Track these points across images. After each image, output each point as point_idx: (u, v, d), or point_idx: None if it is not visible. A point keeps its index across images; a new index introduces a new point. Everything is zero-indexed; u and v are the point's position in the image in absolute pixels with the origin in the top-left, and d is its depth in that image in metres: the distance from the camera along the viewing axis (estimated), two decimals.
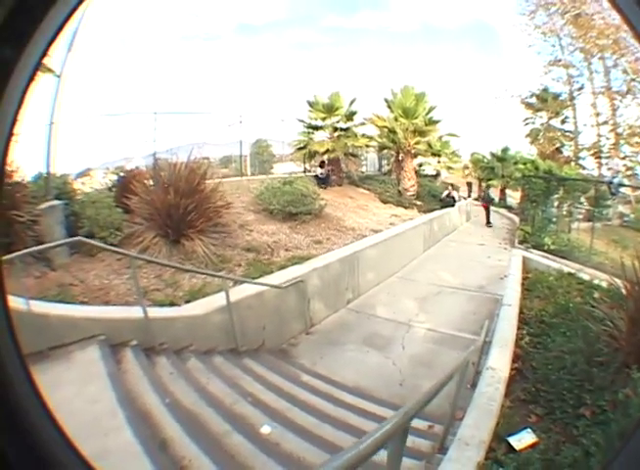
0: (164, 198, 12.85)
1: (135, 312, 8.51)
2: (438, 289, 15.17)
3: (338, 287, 13.35)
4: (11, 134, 1.44)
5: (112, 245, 11.66)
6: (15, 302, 6.72)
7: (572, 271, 14.05)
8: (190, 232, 12.83)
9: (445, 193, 29.22)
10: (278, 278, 11.48)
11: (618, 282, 9.41)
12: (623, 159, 29.41)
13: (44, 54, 1.47)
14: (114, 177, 16.95)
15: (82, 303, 9.44)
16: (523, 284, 13.15)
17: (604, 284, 11.64)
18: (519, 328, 9.99)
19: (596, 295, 11.29)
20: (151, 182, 14.66)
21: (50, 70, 13.13)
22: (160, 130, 20.53)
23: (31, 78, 1.46)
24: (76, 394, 5.91)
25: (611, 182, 23.29)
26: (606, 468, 1.76)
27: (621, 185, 24.26)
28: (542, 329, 10.10)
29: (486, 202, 29.38)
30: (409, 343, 11.39)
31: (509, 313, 10.44)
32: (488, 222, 28.04)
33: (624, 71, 28.93)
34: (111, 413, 5.69)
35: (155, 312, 8.87)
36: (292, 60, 40.46)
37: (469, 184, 35.16)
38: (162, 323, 8.90)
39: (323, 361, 10.58)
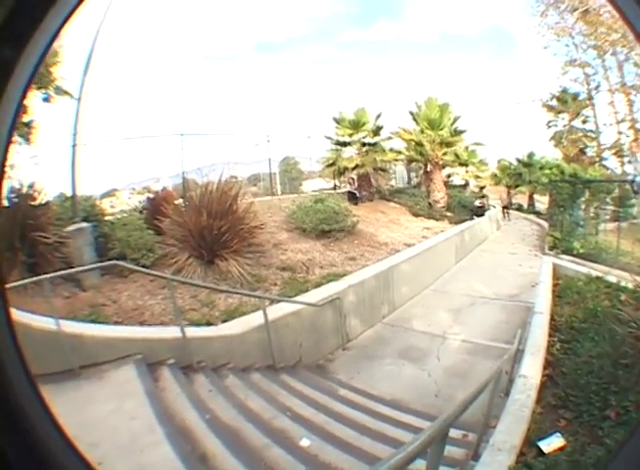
0: (197, 220, 13.03)
1: (172, 332, 8.71)
2: (472, 300, 15.29)
3: (373, 302, 13.51)
4: (11, 134, 1.47)
5: (144, 266, 11.94)
6: (44, 322, 7.08)
7: (600, 275, 14.05)
8: (224, 253, 12.95)
9: (477, 202, 29.84)
10: (314, 296, 11.67)
11: None
12: None
13: (44, 54, 1.49)
14: (142, 198, 17.22)
15: (116, 323, 9.61)
16: (553, 291, 13.37)
17: (630, 286, 11.77)
18: (550, 335, 10.19)
19: (622, 297, 11.39)
20: (181, 203, 14.98)
21: (67, 93, 13.60)
22: (186, 150, 20.43)
23: (31, 78, 1.48)
24: (113, 411, 6.11)
25: (633, 181, 23.28)
26: (606, 468, 1.77)
27: None
28: (572, 335, 10.28)
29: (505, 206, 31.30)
30: (444, 354, 11.54)
31: (540, 321, 10.66)
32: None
33: (636, 65, 29.01)
34: (149, 429, 5.83)
35: (192, 332, 8.99)
36: (312, 76, 40.67)
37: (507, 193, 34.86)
38: (200, 342, 9.05)
39: (360, 376, 10.68)
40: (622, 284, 12.45)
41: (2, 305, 1.45)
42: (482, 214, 28.55)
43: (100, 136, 17.28)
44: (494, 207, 31.94)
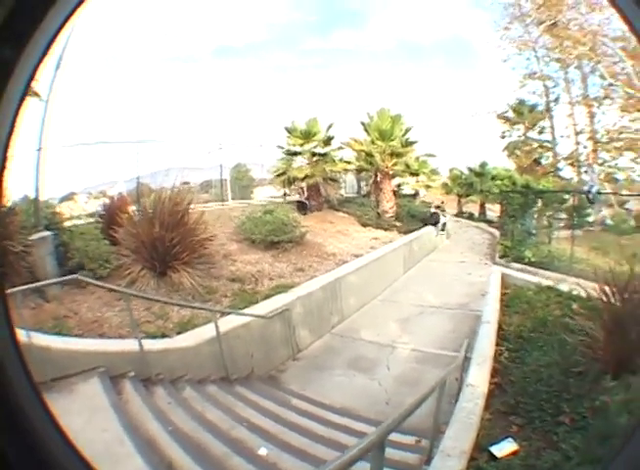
0: (150, 231, 13.08)
1: (131, 345, 8.86)
2: (420, 309, 15.60)
3: (321, 313, 13.80)
4: (11, 134, 1.47)
5: (101, 277, 12.13)
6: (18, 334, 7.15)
7: (551, 284, 14.45)
8: (176, 264, 13.06)
9: (432, 210, 30.04)
10: (263, 308, 11.90)
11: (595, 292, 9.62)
12: (601, 165, 30.12)
13: (44, 54, 1.50)
14: (98, 202, 17.44)
15: (78, 335, 9.67)
16: (502, 300, 13.75)
17: (583, 294, 11.54)
18: (498, 344, 10.48)
19: (574, 306, 11.79)
20: (135, 211, 14.94)
21: (37, 95, 13.40)
22: (142, 154, 20.55)
23: (31, 79, 1.49)
24: (86, 423, 6.24)
25: (589, 191, 23.37)
26: (606, 468, 1.74)
27: (600, 193, 24.74)
28: (520, 344, 10.62)
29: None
30: (394, 364, 11.86)
31: (488, 330, 10.98)
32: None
33: (602, 77, 29.46)
34: (119, 441, 6.05)
35: (149, 344, 9.16)
36: (270, 83, 40.66)
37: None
38: (157, 355, 9.23)
39: (311, 386, 10.93)
40: (575, 293, 12.65)
41: (2, 308, 1.50)
42: (436, 223, 28.87)
43: (62, 139, 17.17)
44: (445, 216, 31.70)
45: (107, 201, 16.95)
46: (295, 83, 38.77)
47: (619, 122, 29.51)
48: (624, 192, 29.22)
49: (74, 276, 10.31)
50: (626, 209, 27.59)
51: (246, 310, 11.72)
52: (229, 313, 11.37)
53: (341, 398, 10.23)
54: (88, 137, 20.74)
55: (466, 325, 13.71)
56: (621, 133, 29.50)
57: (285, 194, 29.07)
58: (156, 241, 12.95)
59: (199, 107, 36.04)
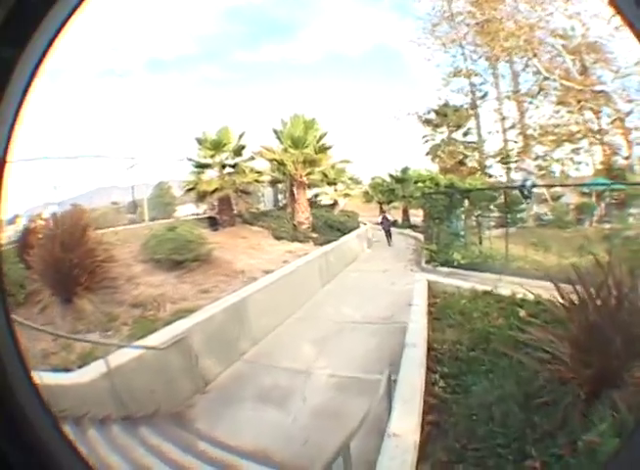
0: (52, 251, 12.42)
1: (36, 378, 7.64)
2: (339, 326, 14.31)
3: (227, 338, 12.45)
4: (12, 133, 1.52)
5: (18, 303, 11.69)
6: None
7: (489, 289, 12.74)
8: (78, 289, 12.37)
9: (379, 219, 30.44)
10: (162, 336, 10.75)
11: (544, 293, 8.96)
12: (535, 159, 30.07)
13: (44, 54, 1.55)
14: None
15: None
16: (430, 312, 11.98)
17: (530, 297, 10.45)
18: (430, 369, 8.57)
19: (522, 313, 10.28)
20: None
21: None
22: (75, 174, 21.05)
23: (32, 78, 1.54)
24: None
25: (523, 185, 23.18)
26: (606, 468, 2.07)
27: (534, 186, 24.25)
28: (459, 368, 8.69)
29: (387, 225, 30.37)
30: (310, 393, 10.44)
31: (414, 355, 8.86)
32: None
33: (536, 73, 29.61)
34: None
35: (51, 379, 8.51)
36: (197, 97, 41.07)
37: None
38: (60, 390, 8.31)
39: (221, 424, 9.70)
40: (519, 296, 11.28)
41: (2, 309, 1.55)
42: (389, 230, 29.49)
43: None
44: (364, 224, 32.30)
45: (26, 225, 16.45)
46: (221, 97, 39.08)
47: (556, 115, 30.04)
48: (558, 184, 29.56)
49: None
50: (562, 203, 27.23)
51: (141, 341, 10.66)
52: (122, 346, 10.51)
53: (253, 437, 8.94)
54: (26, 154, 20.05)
55: (391, 341, 12.16)
56: (557, 126, 29.91)
57: (205, 211, 28.29)
58: (58, 262, 12.28)
59: (128, 121, 36.01)
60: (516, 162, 30.95)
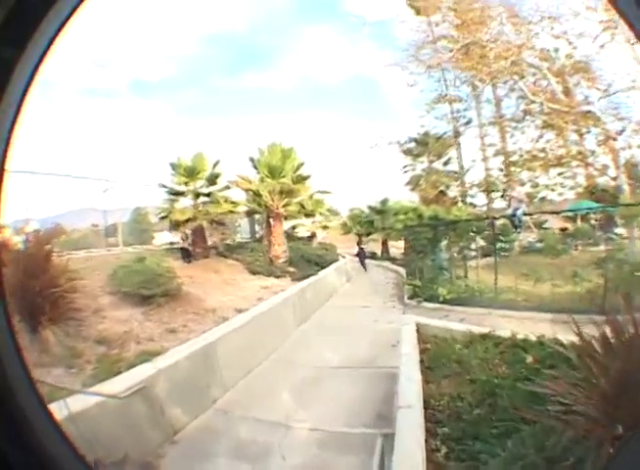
0: (16, 275, 11.40)
1: None
2: (318, 371, 12.68)
3: (196, 386, 11.19)
4: (12, 133, 1.58)
5: None
6: None
7: (485, 331, 11.16)
8: (43, 319, 11.41)
9: (356, 250, 31.76)
10: (125, 381, 9.47)
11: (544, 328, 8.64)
12: (522, 186, 29.66)
13: (44, 54, 1.60)
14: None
15: None
16: (421, 361, 10.04)
17: (532, 338, 9.66)
18: (428, 431, 6.81)
19: (529, 359, 8.89)
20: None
21: None
22: (57, 191, 21.14)
23: (32, 78, 1.60)
24: None
25: (514, 215, 22.43)
26: (606, 468, 2.37)
27: (526, 215, 23.74)
28: (462, 430, 6.90)
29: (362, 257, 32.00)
30: (290, 450, 8.82)
31: (410, 419, 6.85)
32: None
33: (521, 97, 29.52)
34: None
35: None
36: (178, 121, 41.79)
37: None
38: None
39: None
40: (520, 337, 10.07)
41: (3, 311, 1.63)
42: (364, 261, 30.95)
43: None
44: (343, 256, 32.12)
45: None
46: (200, 123, 39.86)
47: (543, 139, 29.93)
48: (550, 211, 29.35)
49: None
50: (546, 228, 27.29)
51: (104, 383, 9.44)
52: (79, 392, 9.21)
53: None
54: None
55: (376, 388, 10.94)
56: (543, 150, 29.78)
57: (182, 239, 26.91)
58: (23, 287, 11.30)
59: (109, 142, 36.40)
60: (504, 190, 30.75)
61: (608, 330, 5.66)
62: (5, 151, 1.56)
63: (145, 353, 11.63)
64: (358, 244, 34.39)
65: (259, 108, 41.73)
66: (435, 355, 10.44)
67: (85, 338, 12.14)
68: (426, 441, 6.43)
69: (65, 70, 35.17)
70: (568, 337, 7.29)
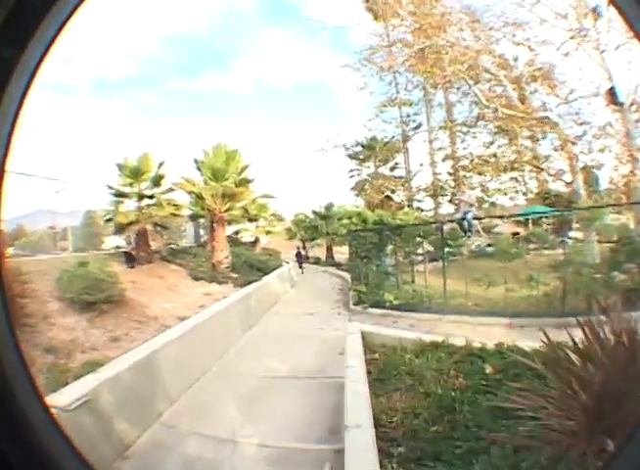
0: None
1: None
2: (264, 382, 11.89)
3: (140, 398, 10.41)
4: (12, 133, 1.54)
5: None
6: None
7: (438, 339, 10.57)
8: None
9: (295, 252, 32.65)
10: (72, 392, 8.76)
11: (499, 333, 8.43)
12: (473, 189, 30.15)
13: (44, 54, 1.56)
14: None
15: None
16: (369, 372, 9.20)
17: (489, 345, 9.27)
18: (383, 452, 5.90)
19: (488, 369, 8.31)
20: None
21: None
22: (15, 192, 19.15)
23: (32, 78, 1.56)
24: None
25: (463, 218, 22.45)
26: (606, 468, 2.02)
27: (476, 219, 24.09)
28: (420, 449, 6.11)
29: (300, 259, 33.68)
30: (239, 467, 8.28)
31: (359, 440, 5.93)
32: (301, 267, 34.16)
33: (475, 102, 30.04)
34: None
35: None
36: (132, 122, 43.26)
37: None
38: None
39: None
40: (476, 345, 9.59)
41: (4, 311, 1.59)
42: (302, 263, 32.30)
43: None
44: (287, 262, 32.26)
45: None
46: (153, 124, 41.10)
47: (494, 145, 31.09)
48: (499, 215, 30.15)
49: None
50: (496, 233, 27.66)
51: (53, 395, 8.68)
52: None
53: None
54: None
55: (325, 399, 10.20)
56: (494, 155, 30.79)
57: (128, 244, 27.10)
58: None
59: (63, 141, 37.35)
60: (453, 194, 31.46)
61: (582, 335, 5.28)
62: (5, 153, 1.52)
63: (89, 364, 11.37)
64: (298, 247, 35.65)
65: (213, 110, 43.31)
66: (385, 366, 9.80)
67: (36, 345, 11.95)
68: (380, 463, 5.55)
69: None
70: (528, 343, 7.41)
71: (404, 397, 8.03)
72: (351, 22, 43.93)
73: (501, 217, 29.17)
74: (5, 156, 1.51)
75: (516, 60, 28.05)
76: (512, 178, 31.21)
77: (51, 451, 1.60)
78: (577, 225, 22.63)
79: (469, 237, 22.85)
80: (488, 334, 10.57)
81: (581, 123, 26.88)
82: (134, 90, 45.99)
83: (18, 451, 1.48)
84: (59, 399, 8.40)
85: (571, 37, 24.72)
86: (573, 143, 26.73)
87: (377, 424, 6.59)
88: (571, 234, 22.58)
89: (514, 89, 27.69)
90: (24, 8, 1.42)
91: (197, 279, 23.58)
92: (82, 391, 8.94)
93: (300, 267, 33.25)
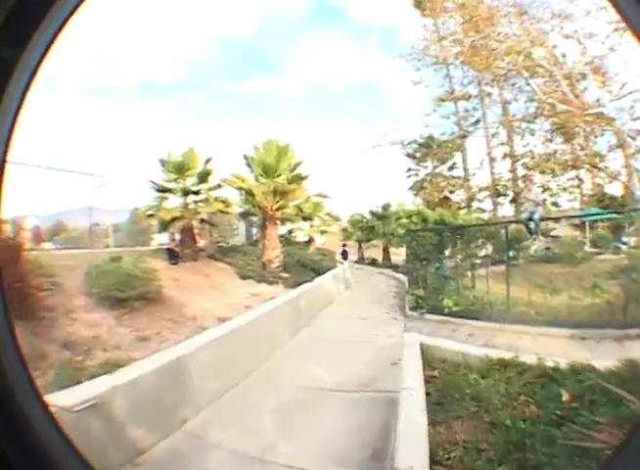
0: None
1: None
2: (307, 394, 10.60)
3: (161, 404, 9.47)
4: (12, 133, 1.59)
5: None
6: None
7: (506, 357, 9.29)
8: (11, 315, 10.24)
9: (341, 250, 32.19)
10: (79, 393, 8.02)
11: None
12: (541, 188, 28.62)
13: (44, 54, 1.59)
14: None
15: None
16: (428, 394, 8.00)
17: (562, 364, 8.15)
18: None
19: (565, 396, 7.02)
20: None
21: None
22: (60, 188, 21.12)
23: (32, 78, 1.59)
24: None
25: (529, 219, 20.72)
26: (606, 468, 1.99)
27: (543, 219, 22.11)
28: None
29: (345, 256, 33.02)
30: None
31: None
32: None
33: (531, 99, 28.96)
34: None
35: None
36: (185, 125, 42.42)
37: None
38: None
39: None
40: (549, 364, 8.38)
41: (3, 311, 1.71)
42: (346, 259, 31.33)
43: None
44: (342, 263, 31.63)
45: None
46: (203, 127, 40.30)
47: (553, 142, 29.67)
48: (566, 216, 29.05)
49: None
50: (554, 236, 25.89)
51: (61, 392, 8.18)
52: None
53: None
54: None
55: (373, 415, 8.92)
56: (555, 152, 29.38)
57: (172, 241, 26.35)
58: None
59: (111, 141, 36.99)
60: (517, 193, 29.74)
61: None
62: (5, 151, 1.55)
63: (109, 364, 10.66)
64: (344, 244, 35.05)
65: (265, 113, 42.42)
66: (445, 387, 8.63)
67: (53, 340, 11.47)
68: None
69: (71, 67, 35.37)
70: (601, 362, 6.91)
71: (466, 426, 6.92)
72: (399, 22, 43.34)
73: (558, 219, 27.69)
74: (5, 153, 1.52)
75: (564, 56, 26.94)
76: (569, 178, 29.86)
77: (51, 451, 1.63)
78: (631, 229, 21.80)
79: (534, 239, 21.30)
80: (550, 346, 9.90)
81: (636, 119, 25.48)
82: (182, 93, 45.98)
83: (18, 451, 1.50)
84: (65, 399, 7.70)
85: (615, 30, 23.52)
86: (633, 138, 25.50)
87: (431, 460, 5.54)
88: (625, 239, 22.00)
89: (567, 84, 26.48)
90: (24, 8, 1.43)
91: (245, 278, 22.87)
92: (93, 392, 8.22)
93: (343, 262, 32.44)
